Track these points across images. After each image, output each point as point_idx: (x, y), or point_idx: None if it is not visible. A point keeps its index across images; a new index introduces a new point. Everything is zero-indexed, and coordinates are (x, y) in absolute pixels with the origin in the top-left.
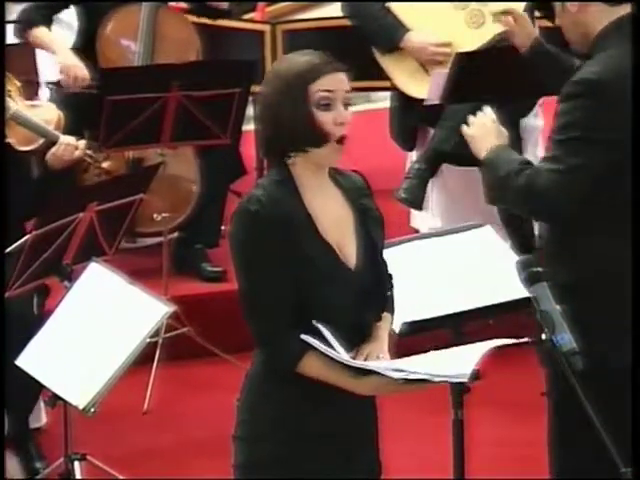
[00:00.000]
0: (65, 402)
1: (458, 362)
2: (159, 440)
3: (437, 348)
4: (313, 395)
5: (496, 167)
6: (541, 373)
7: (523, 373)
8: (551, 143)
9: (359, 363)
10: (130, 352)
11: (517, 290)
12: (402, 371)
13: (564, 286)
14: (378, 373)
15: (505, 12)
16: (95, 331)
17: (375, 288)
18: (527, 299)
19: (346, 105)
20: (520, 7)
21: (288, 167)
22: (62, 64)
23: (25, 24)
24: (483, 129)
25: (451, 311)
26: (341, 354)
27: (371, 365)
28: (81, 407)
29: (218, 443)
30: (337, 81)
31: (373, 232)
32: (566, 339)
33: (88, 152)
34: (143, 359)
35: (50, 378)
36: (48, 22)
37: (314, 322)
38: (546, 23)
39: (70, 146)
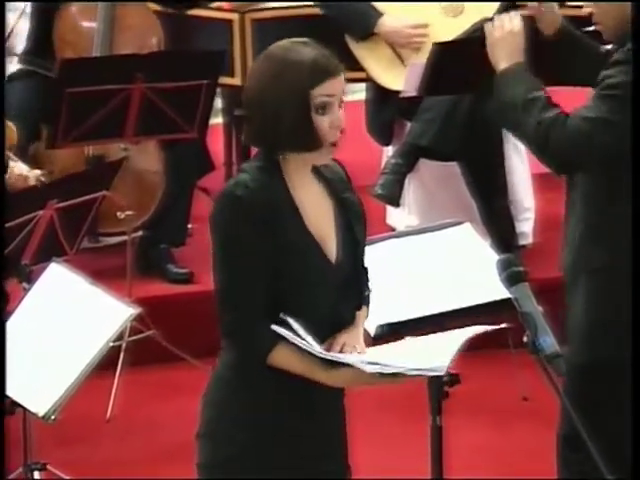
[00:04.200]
0: (24, 409)
1: (434, 354)
2: (124, 449)
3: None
4: (281, 395)
5: (519, 83)
6: (521, 378)
7: (504, 378)
8: (592, 96)
9: (331, 355)
10: (92, 356)
11: (498, 291)
12: (376, 364)
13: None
14: (351, 365)
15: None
16: (56, 335)
17: (354, 284)
18: (508, 300)
19: (341, 104)
20: None
21: (276, 158)
22: None
23: None
24: (510, 36)
25: (428, 313)
26: (313, 345)
27: (344, 357)
28: (41, 414)
29: (186, 450)
30: (339, 84)
31: (355, 227)
32: (548, 342)
33: (42, 179)
34: (106, 364)
35: (8, 384)
36: None
37: (282, 315)
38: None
39: (21, 177)
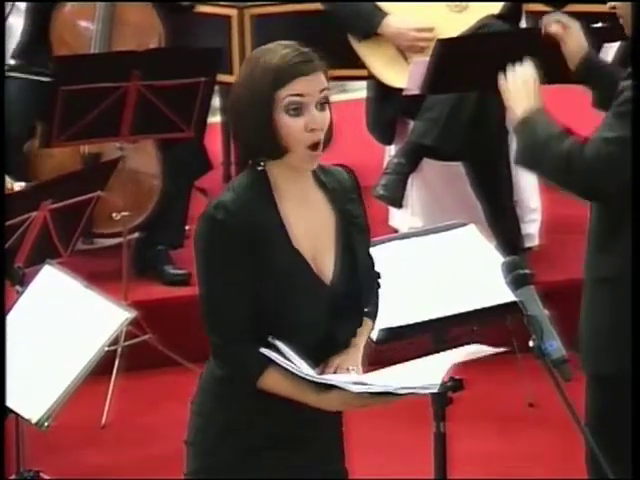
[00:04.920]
0: (17, 415)
1: (427, 372)
2: (119, 456)
3: (419, 357)
4: (270, 402)
5: (534, 127)
6: (527, 384)
7: (509, 384)
8: (608, 114)
9: (318, 377)
10: (87, 361)
11: (503, 294)
12: (362, 384)
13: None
14: (338, 387)
15: (556, 21)
16: (49, 339)
17: (351, 303)
18: (514, 303)
19: (322, 105)
20: None
21: (263, 169)
22: None
23: None
24: (524, 85)
25: (432, 317)
26: (302, 368)
27: (330, 379)
28: (34, 421)
29: (183, 457)
30: (311, 83)
31: (356, 242)
32: (555, 346)
33: None
34: (101, 369)
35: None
36: None
37: (270, 339)
38: (534, 7)
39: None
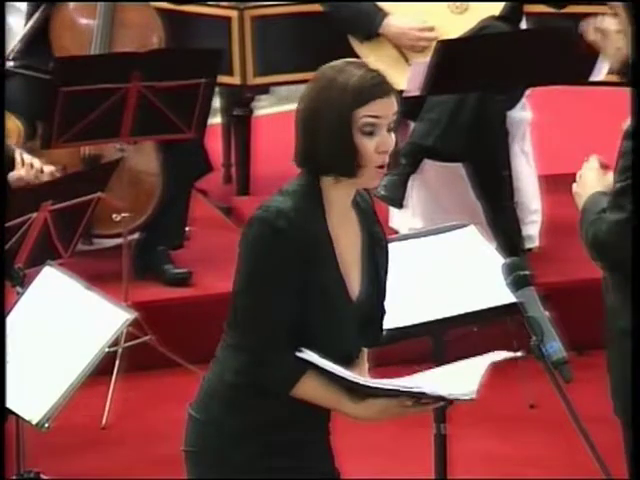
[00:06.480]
0: (17, 416)
1: (461, 380)
2: (119, 457)
3: (420, 358)
4: (279, 406)
5: (583, 218)
6: (529, 385)
7: (510, 385)
8: (615, 186)
9: (373, 381)
10: (88, 362)
11: (503, 295)
12: (418, 389)
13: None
14: (396, 394)
15: (596, 29)
16: (50, 340)
17: (372, 320)
18: (514, 305)
19: (390, 129)
20: None
21: (319, 180)
22: None
23: None
24: (587, 185)
25: (432, 318)
26: (349, 375)
27: (388, 384)
28: (35, 422)
29: (183, 460)
30: (387, 106)
31: (379, 263)
32: (555, 347)
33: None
34: (102, 370)
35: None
36: None
37: (299, 350)
38: (534, 8)
39: (34, 169)
